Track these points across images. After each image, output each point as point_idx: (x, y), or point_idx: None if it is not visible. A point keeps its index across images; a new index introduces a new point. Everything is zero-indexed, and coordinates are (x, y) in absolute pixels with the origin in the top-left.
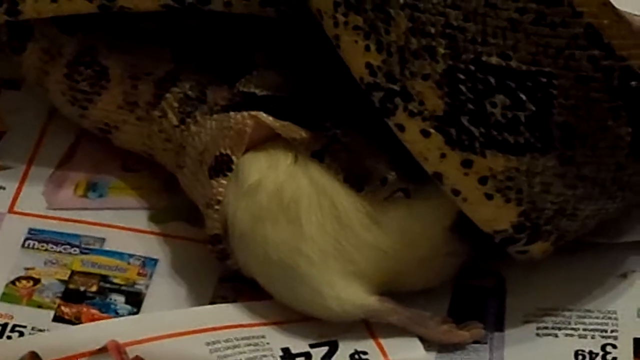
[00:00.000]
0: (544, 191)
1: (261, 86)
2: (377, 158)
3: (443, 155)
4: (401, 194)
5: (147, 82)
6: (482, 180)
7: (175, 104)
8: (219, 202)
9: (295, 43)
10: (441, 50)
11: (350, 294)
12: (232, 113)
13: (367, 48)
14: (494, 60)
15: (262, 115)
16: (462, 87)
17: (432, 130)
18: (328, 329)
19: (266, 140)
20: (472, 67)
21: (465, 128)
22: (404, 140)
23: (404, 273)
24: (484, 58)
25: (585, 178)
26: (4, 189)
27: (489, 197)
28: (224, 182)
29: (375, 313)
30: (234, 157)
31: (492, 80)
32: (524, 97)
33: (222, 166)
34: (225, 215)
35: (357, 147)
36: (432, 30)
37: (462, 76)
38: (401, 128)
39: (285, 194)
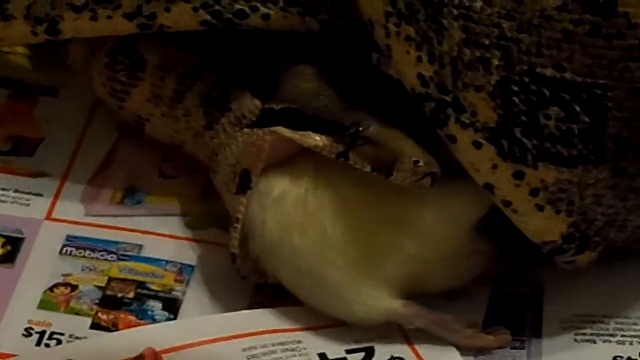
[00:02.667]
0: (595, 203)
1: (279, 100)
2: (404, 141)
3: (494, 167)
4: (429, 179)
5: (172, 75)
6: (534, 192)
7: (198, 103)
8: (237, 220)
9: (315, 47)
10: (495, 62)
11: (375, 299)
12: (255, 129)
13: (419, 59)
14: (548, 71)
15: (281, 129)
16: (516, 99)
17: (484, 142)
18: (364, 334)
19: (285, 159)
20: (526, 79)
21: (518, 140)
22: (455, 151)
23: (429, 274)
24: (539, 70)
25: (637, 190)
26: (41, 195)
27: (540, 208)
28: (244, 200)
29: (399, 317)
30: (252, 176)
31: (547, 92)
32: (578, 109)
33: (244, 183)
34: (244, 232)
35: (381, 137)
36: (486, 41)
37: (515, 88)
38: (452, 139)
39: (309, 204)
